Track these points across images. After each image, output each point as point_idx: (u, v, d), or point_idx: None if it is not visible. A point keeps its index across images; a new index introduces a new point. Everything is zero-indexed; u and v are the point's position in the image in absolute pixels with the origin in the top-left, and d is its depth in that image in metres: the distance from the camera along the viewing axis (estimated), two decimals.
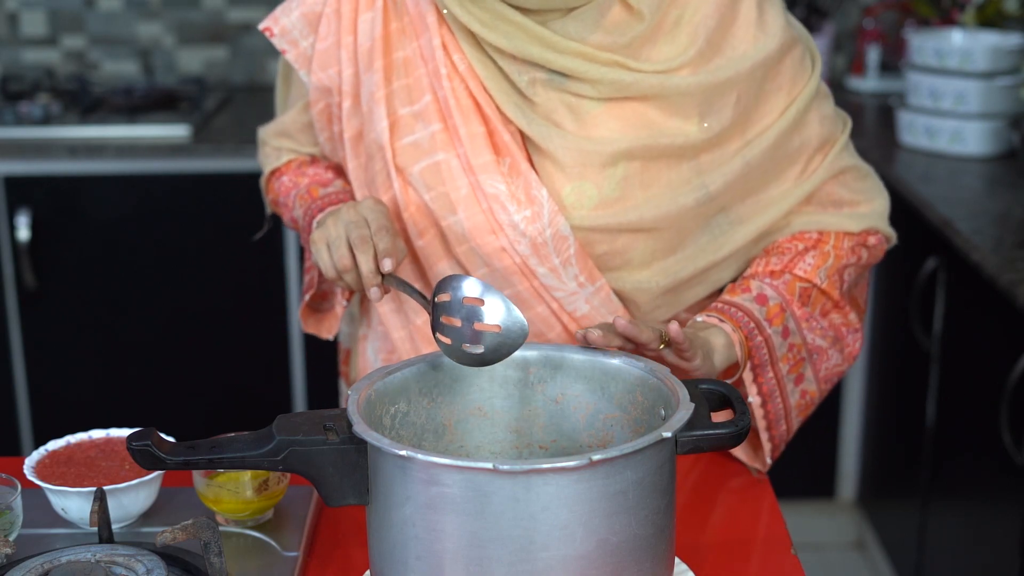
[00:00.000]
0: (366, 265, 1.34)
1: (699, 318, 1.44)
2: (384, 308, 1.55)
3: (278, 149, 1.64)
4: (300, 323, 1.64)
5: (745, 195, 1.48)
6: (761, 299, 1.46)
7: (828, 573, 3.09)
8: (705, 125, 1.42)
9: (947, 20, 3.13)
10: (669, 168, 1.43)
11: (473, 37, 1.43)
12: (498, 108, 1.43)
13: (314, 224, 1.49)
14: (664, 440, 1.08)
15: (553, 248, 1.43)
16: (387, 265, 1.34)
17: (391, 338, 1.57)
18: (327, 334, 1.60)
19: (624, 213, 1.42)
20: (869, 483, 3.11)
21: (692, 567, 1.27)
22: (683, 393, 1.15)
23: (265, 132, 1.67)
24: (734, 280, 1.52)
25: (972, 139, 2.79)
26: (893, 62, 3.41)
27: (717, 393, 1.20)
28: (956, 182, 2.64)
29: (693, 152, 1.43)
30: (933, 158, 2.82)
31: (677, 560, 1.26)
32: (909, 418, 2.74)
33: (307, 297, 1.57)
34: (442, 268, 1.48)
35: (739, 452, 1.50)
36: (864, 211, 1.53)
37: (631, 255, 1.45)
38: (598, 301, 1.46)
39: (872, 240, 1.53)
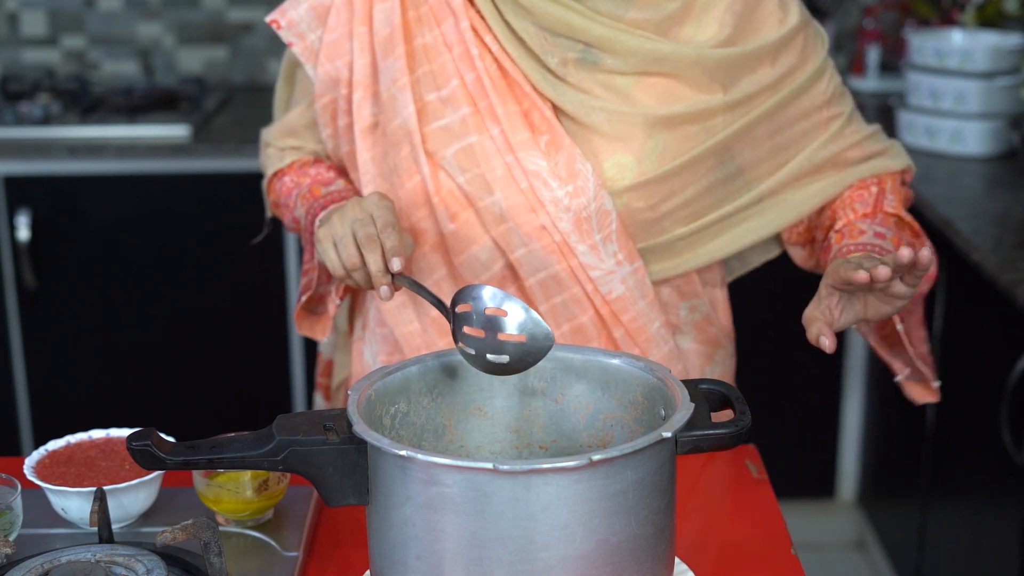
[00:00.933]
0: (375, 264, 1.34)
1: (854, 258, 1.35)
2: (389, 304, 1.55)
3: (282, 150, 1.63)
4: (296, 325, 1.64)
5: (774, 169, 1.51)
6: (880, 235, 1.46)
7: (828, 573, 3.09)
8: (726, 95, 1.46)
9: (947, 20, 3.13)
10: (699, 141, 1.46)
11: (503, 19, 1.45)
12: (533, 86, 1.45)
13: (317, 222, 1.49)
14: (664, 440, 1.08)
15: (596, 223, 1.44)
16: (396, 264, 1.34)
17: (395, 336, 1.56)
18: (321, 336, 1.60)
19: (662, 182, 1.45)
20: (869, 483, 3.11)
21: (692, 567, 1.27)
22: (683, 393, 1.15)
23: (268, 134, 1.66)
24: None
25: (972, 139, 2.79)
26: (893, 62, 3.41)
27: (717, 393, 1.20)
28: (956, 182, 2.64)
29: (721, 124, 1.46)
30: (933, 158, 2.82)
31: (677, 560, 1.26)
32: (909, 418, 2.73)
33: (303, 299, 1.56)
34: (475, 251, 1.48)
35: (916, 392, 1.54)
36: (898, 151, 1.58)
37: (665, 227, 1.48)
38: (633, 282, 1.47)
39: (907, 177, 1.58)
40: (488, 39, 1.46)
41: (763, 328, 2.42)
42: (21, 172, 2.89)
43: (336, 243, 1.37)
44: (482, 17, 1.46)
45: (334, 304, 1.56)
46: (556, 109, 1.46)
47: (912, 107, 2.88)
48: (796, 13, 1.51)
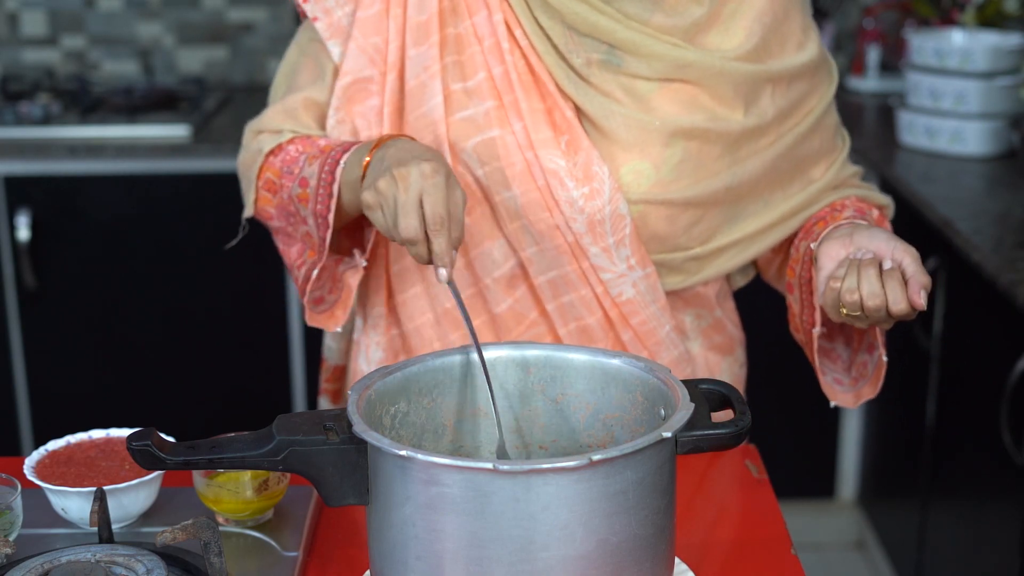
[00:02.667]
0: (440, 246, 1.27)
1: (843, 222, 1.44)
2: (402, 296, 1.53)
3: (277, 132, 1.53)
4: (301, 323, 1.62)
5: (767, 189, 1.51)
6: (860, 212, 1.50)
7: (828, 573, 3.09)
8: (746, 117, 1.46)
9: (947, 20, 3.13)
10: (716, 154, 1.46)
11: (532, 14, 1.45)
12: (557, 85, 1.45)
13: (342, 164, 1.40)
14: (664, 440, 1.08)
15: (610, 226, 1.44)
16: (443, 276, 1.28)
17: (404, 329, 1.54)
18: (342, 316, 1.49)
19: (679, 192, 1.45)
20: (869, 483, 3.11)
21: (692, 567, 1.27)
22: (683, 393, 1.15)
23: (260, 122, 1.56)
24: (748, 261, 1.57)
25: (972, 139, 2.79)
26: (893, 62, 3.41)
27: (717, 393, 1.20)
28: (956, 182, 2.64)
29: (738, 141, 1.46)
30: (933, 158, 2.82)
31: (677, 560, 1.26)
32: (909, 418, 2.74)
33: (305, 299, 1.49)
34: (488, 247, 1.48)
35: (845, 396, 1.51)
36: (878, 192, 1.59)
37: (679, 238, 1.47)
38: (644, 287, 1.47)
39: (886, 213, 1.58)
40: (518, 33, 1.45)
41: (763, 328, 2.41)
42: (21, 172, 2.89)
43: (397, 206, 1.28)
44: (512, 10, 1.46)
45: (361, 266, 1.47)
46: (577, 109, 1.45)
47: (912, 107, 2.88)
48: (816, 43, 1.51)
